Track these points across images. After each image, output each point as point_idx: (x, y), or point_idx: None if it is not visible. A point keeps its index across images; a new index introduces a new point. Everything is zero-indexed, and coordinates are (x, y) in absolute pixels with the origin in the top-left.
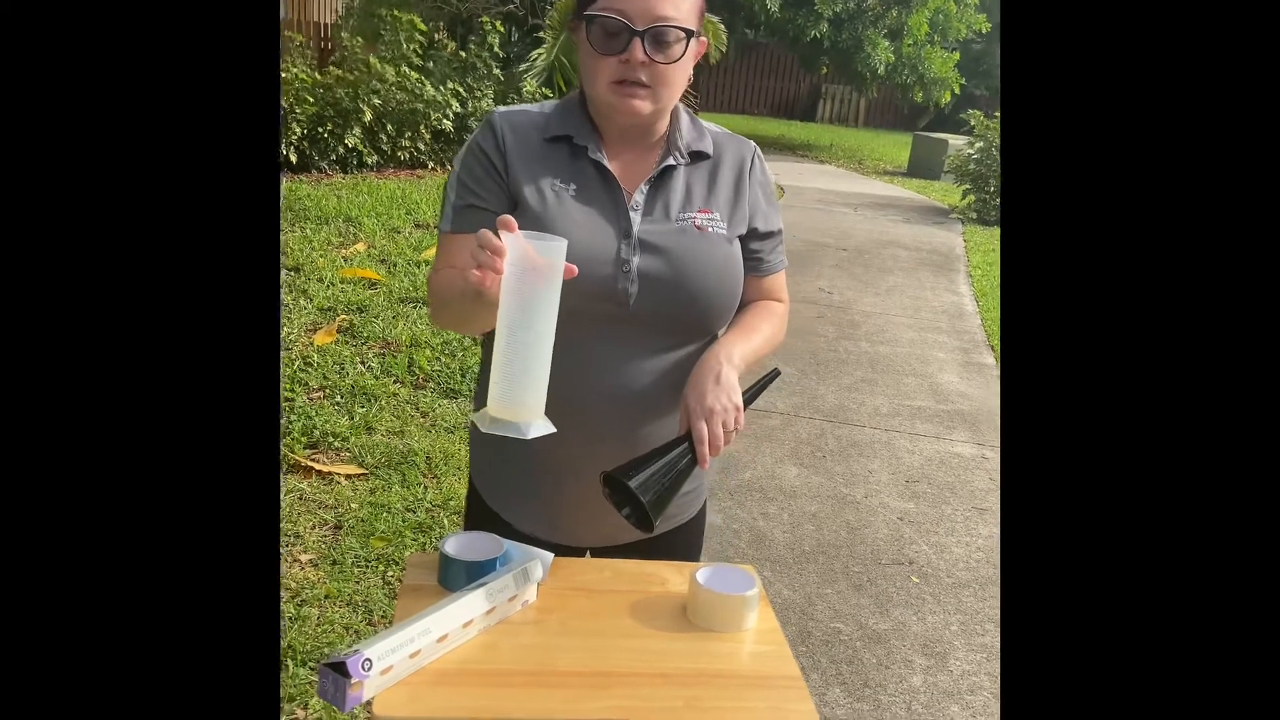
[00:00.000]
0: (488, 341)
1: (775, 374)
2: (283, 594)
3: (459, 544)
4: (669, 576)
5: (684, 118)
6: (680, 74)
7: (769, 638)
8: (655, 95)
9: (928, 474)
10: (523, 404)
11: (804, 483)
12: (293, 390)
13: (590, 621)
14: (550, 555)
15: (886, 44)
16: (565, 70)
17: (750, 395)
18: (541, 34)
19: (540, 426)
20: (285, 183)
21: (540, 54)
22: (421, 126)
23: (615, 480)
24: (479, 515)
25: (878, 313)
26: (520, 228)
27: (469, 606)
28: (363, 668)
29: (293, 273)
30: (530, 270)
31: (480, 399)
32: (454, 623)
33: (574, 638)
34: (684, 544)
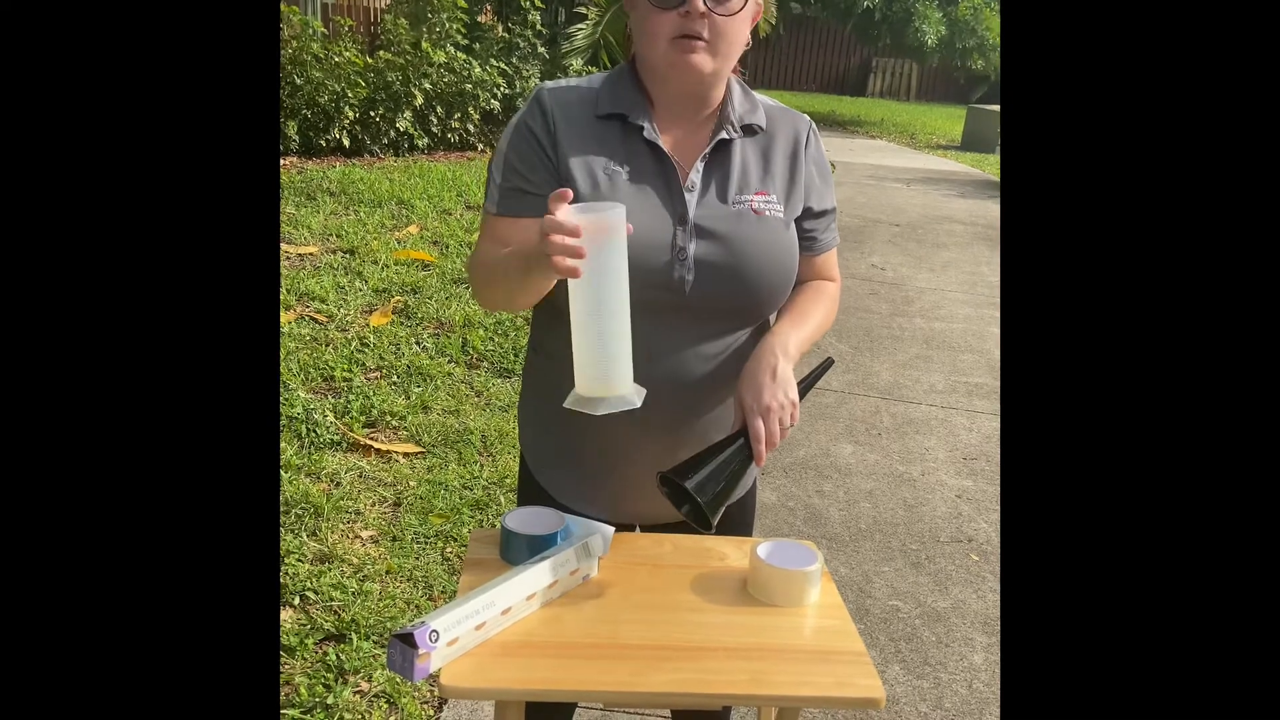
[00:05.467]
0: (532, 369)
1: (829, 364)
2: (345, 569)
3: (520, 518)
4: (729, 551)
5: (736, 88)
6: (740, 30)
7: (832, 613)
8: (715, 50)
9: (986, 451)
10: (619, 376)
11: (859, 460)
12: (350, 370)
13: (652, 595)
14: (610, 529)
15: (939, 14)
16: (611, 48)
17: (805, 386)
18: (582, 8)
19: (637, 392)
20: (339, 168)
21: (582, 29)
22: (470, 108)
23: (672, 481)
24: (531, 492)
25: (932, 289)
26: None
27: (531, 579)
28: (430, 639)
29: (348, 255)
30: (599, 244)
31: (528, 405)
32: (517, 595)
33: (636, 611)
34: (735, 521)
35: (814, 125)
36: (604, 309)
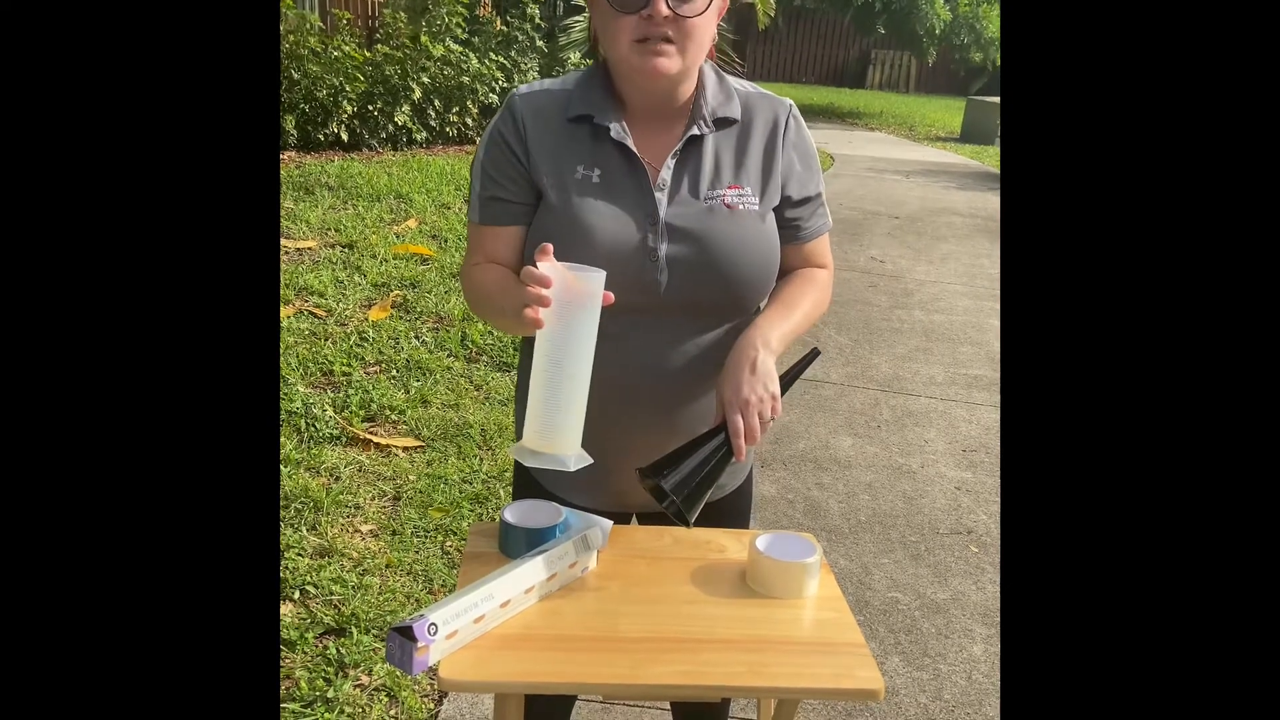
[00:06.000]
0: (525, 365)
1: (814, 355)
2: (345, 563)
3: (519, 512)
4: (728, 544)
5: (711, 79)
6: (707, 28)
7: (831, 604)
8: (682, 51)
9: (985, 443)
10: (563, 437)
11: (859, 452)
12: (349, 365)
13: (651, 588)
14: (609, 523)
15: (942, 2)
16: None
17: (788, 379)
18: (579, 1)
19: (580, 458)
20: (338, 162)
21: (579, 22)
22: (469, 101)
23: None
24: (525, 483)
25: (931, 281)
26: (543, 221)
27: (530, 573)
28: (428, 632)
29: (347, 249)
30: (570, 303)
31: (521, 423)
32: (516, 588)
33: (635, 604)
34: (732, 510)
35: (795, 109)
36: (563, 366)
